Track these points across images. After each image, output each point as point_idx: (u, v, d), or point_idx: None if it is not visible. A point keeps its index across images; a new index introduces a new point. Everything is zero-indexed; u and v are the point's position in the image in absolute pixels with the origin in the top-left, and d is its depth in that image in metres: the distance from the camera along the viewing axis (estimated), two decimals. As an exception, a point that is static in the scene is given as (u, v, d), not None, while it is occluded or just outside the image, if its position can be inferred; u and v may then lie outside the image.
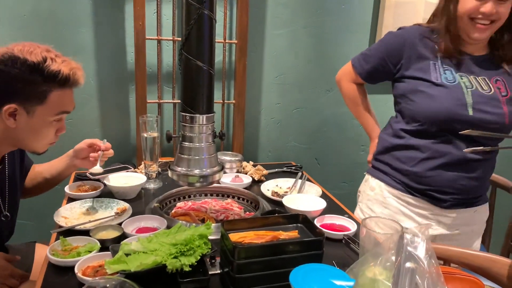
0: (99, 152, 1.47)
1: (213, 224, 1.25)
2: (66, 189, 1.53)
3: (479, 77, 1.39)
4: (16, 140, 1.24)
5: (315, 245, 1.01)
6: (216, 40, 1.92)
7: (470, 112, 1.34)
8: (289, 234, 1.07)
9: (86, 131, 1.96)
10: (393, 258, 0.70)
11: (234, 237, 1.05)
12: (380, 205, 1.53)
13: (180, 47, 1.25)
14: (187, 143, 1.30)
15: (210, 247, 1.07)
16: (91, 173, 1.59)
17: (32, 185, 1.51)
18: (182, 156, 1.31)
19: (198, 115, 1.27)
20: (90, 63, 1.88)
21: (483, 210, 1.53)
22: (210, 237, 1.11)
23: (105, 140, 1.50)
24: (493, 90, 1.37)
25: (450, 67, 1.40)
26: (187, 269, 1.01)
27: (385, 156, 1.53)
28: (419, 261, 0.65)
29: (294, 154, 2.28)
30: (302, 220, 1.12)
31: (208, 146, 1.31)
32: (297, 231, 1.09)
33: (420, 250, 0.66)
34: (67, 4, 1.79)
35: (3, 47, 1.16)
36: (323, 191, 1.66)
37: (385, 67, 1.51)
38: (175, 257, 1.02)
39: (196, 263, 1.02)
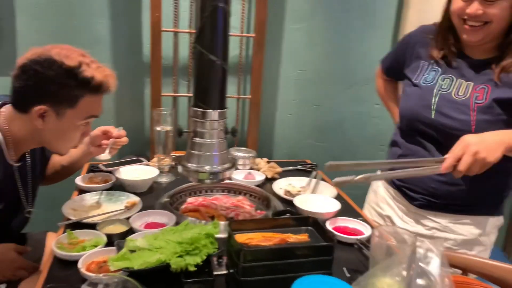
0: (111, 139, 1.47)
1: (221, 223, 1.23)
2: (77, 180, 1.53)
3: (467, 82, 1.32)
4: (42, 140, 1.24)
5: (325, 251, 0.97)
6: (233, 34, 1.91)
7: (433, 115, 1.33)
8: (298, 237, 1.03)
9: (101, 123, 1.92)
10: (404, 272, 0.66)
11: (241, 238, 1.02)
12: (372, 192, 1.65)
13: (194, 40, 1.21)
14: (198, 139, 1.27)
15: (217, 246, 1.04)
16: (99, 161, 1.58)
17: (51, 173, 1.53)
18: (193, 152, 1.28)
19: (210, 110, 1.24)
20: (105, 54, 1.87)
21: (473, 222, 1.38)
22: (218, 236, 1.08)
23: (121, 127, 1.51)
24: (467, 96, 1.29)
25: (439, 68, 1.37)
26: (192, 268, 0.99)
27: (388, 150, 1.62)
28: (432, 278, 0.61)
29: (310, 151, 2.23)
30: (313, 223, 1.08)
31: (219, 142, 1.28)
32: (307, 234, 1.05)
33: (433, 266, 0.62)
34: (84, -6, 1.79)
35: (39, 48, 1.16)
36: (338, 192, 1.62)
37: (398, 65, 1.55)
38: (180, 256, 0.99)
39: (201, 263, 0.99)
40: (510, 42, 1.26)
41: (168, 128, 1.64)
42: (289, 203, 1.50)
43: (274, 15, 1.97)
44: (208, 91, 1.24)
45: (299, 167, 1.91)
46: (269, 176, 1.74)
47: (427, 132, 1.35)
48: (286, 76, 2.10)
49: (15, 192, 1.31)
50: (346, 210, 1.47)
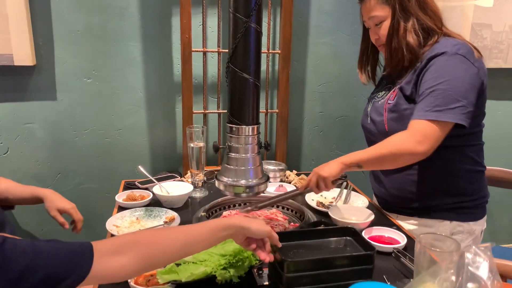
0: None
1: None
2: (117, 197, 1.58)
3: (393, 87, 1.45)
4: None
5: (366, 260, 0.99)
6: (260, 51, 1.96)
7: (368, 121, 1.50)
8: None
9: (134, 140, 2.03)
10: (453, 278, 0.67)
11: (282, 249, 1.04)
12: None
13: (227, 60, 1.27)
14: (233, 154, 1.32)
15: (258, 258, 1.07)
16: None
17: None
18: (229, 166, 1.32)
19: (244, 126, 1.29)
20: (138, 75, 1.95)
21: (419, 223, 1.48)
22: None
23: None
24: (384, 99, 1.45)
25: (387, 79, 1.51)
26: (236, 280, 1.02)
27: None
28: (482, 281, 0.62)
29: (337, 163, 2.25)
30: (352, 233, 1.11)
31: (253, 156, 1.33)
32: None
33: (483, 270, 0.63)
34: (117, 19, 1.87)
35: None
36: (369, 202, 1.63)
37: None
38: (224, 268, 1.03)
39: (244, 275, 1.03)
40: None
41: (201, 144, 1.69)
42: (322, 214, 1.52)
43: (299, 30, 2.02)
44: (242, 107, 1.29)
45: (329, 178, 1.93)
46: (300, 188, 1.77)
47: (368, 138, 1.55)
48: (311, 90, 2.14)
49: None
50: (380, 220, 1.48)
